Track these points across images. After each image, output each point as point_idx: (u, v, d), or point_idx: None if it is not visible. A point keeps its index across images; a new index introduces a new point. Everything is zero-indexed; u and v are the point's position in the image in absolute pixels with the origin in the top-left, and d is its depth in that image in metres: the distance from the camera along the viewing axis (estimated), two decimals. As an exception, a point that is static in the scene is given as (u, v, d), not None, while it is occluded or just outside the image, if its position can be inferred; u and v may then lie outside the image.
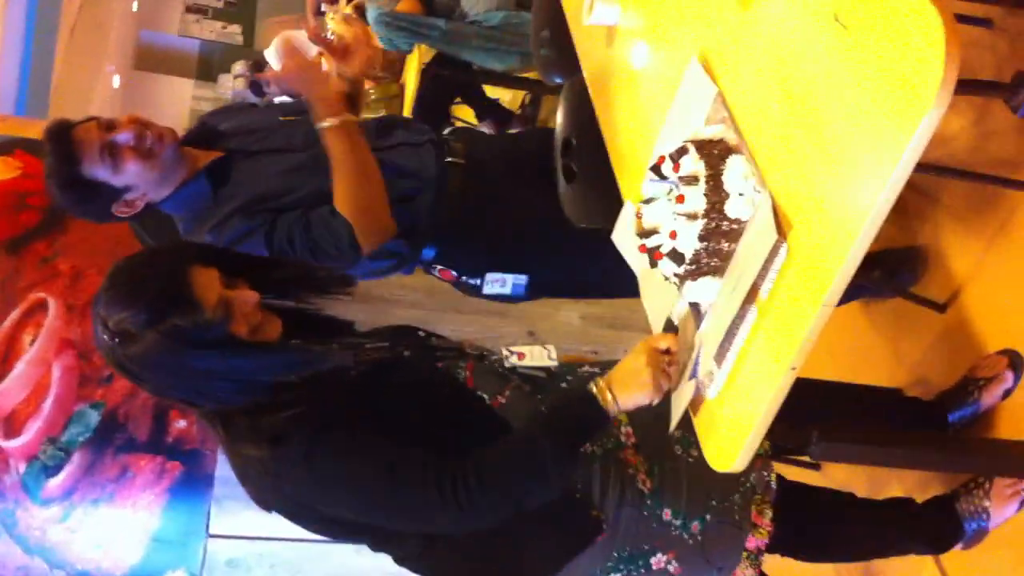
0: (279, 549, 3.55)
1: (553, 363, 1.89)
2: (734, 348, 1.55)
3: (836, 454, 1.68)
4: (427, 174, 2.35)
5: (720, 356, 1.58)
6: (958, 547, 2.28)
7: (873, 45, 1.29)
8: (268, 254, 2.20)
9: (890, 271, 2.57)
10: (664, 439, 1.83)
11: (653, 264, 1.63)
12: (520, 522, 1.69)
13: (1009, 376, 2.31)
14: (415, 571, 1.88)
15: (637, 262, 1.81)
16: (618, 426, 1.85)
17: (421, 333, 1.94)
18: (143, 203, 2.25)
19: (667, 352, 1.69)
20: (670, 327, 1.72)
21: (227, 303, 1.62)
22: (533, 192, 2.44)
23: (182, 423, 3.41)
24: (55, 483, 3.35)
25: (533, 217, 2.44)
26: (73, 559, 3.42)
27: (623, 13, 2.11)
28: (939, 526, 2.26)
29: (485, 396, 1.81)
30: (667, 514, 1.82)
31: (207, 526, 3.46)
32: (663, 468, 1.84)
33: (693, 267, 1.58)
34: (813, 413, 1.87)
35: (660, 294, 1.75)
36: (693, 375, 1.65)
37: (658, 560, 1.82)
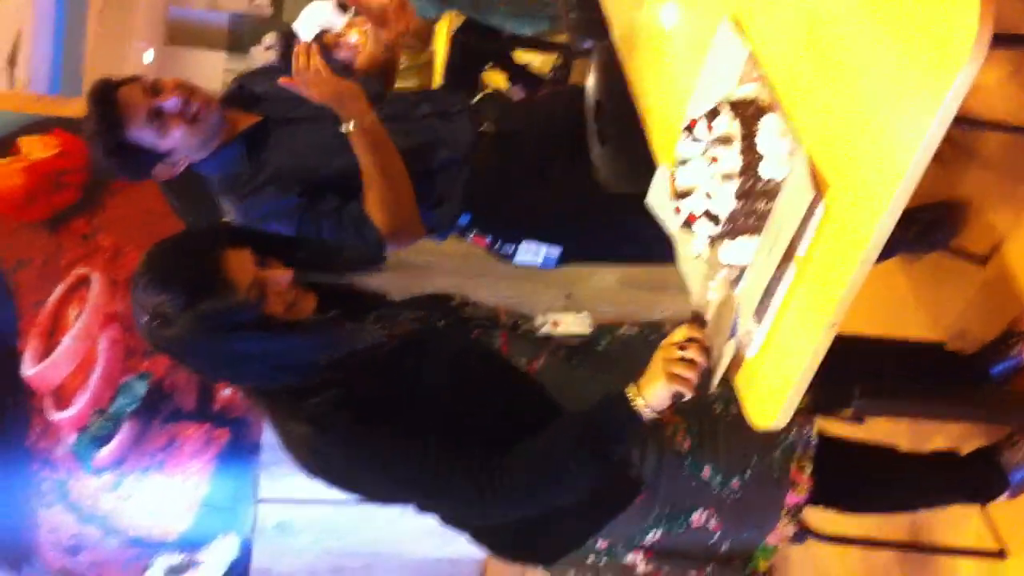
0: (327, 512, 3.61)
1: (589, 330, 1.90)
2: (773, 306, 1.56)
3: (878, 410, 1.68)
4: (461, 143, 2.37)
5: (759, 314, 1.59)
6: (1003, 497, 2.29)
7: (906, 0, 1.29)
8: (292, 227, 2.24)
9: (927, 227, 2.56)
10: (703, 397, 1.82)
11: (688, 226, 1.65)
12: None
13: None
14: (459, 531, 1.92)
15: (673, 225, 1.82)
16: None
17: (454, 302, 1.95)
18: (184, 165, 2.28)
19: (691, 340, 1.66)
20: (697, 318, 1.71)
21: (261, 284, 1.65)
22: (565, 160, 2.45)
23: (227, 391, 3.46)
24: (105, 453, 3.43)
25: (565, 187, 2.45)
26: (125, 526, 3.50)
27: (653, -26, 2.11)
28: (982, 477, 2.26)
29: (520, 362, 1.83)
30: (707, 472, 1.83)
31: (256, 491, 3.52)
32: (702, 426, 1.86)
33: (729, 227, 1.59)
34: (851, 368, 1.88)
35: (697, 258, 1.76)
36: (732, 334, 1.66)
37: (698, 517, 1.85)
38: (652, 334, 1.94)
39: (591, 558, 1.87)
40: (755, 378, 1.63)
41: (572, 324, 1.88)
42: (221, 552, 3.57)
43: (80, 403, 3.41)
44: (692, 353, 1.63)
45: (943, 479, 2.27)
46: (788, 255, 1.52)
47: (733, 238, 1.60)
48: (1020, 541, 2.38)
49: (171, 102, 2.18)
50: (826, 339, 1.46)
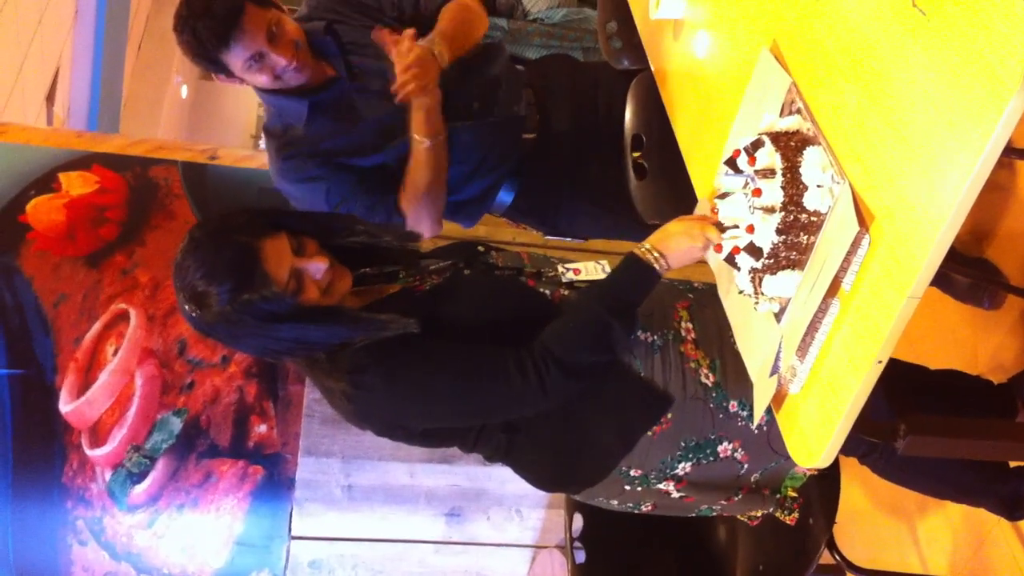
0: (361, 550, 3.59)
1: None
2: (817, 342, 1.53)
3: (924, 448, 1.65)
4: (503, 153, 2.41)
5: (803, 350, 1.56)
6: None
7: (953, 30, 1.26)
8: (324, 203, 2.31)
9: (976, 284, 2.52)
10: (723, 335, 1.87)
11: (731, 260, 1.62)
12: (591, 407, 1.81)
13: None
14: (504, 463, 1.97)
15: (713, 259, 1.80)
16: (679, 320, 1.90)
17: (481, 248, 1.98)
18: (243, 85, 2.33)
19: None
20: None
21: (298, 274, 1.71)
22: (603, 159, 2.48)
23: (263, 428, 3.45)
24: (140, 490, 3.42)
25: (601, 189, 2.50)
26: (159, 564, 3.48)
27: (690, 6, 2.10)
28: (1019, 495, 2.26)
29: (547, 292, 1.86)
30: (733, 406, 1.86)
31: (289, 528, 3.51)
32: (724, 362, 1.87)
33: (772, 261, 1.56)
34: (892, 399, 1.88)
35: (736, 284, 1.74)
36: (775, 370, 1.63)
37: (725, 448, 1.87)
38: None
39: (627, 486, 1.91)
40: (798, 415, 1.60)
41: (592, 271, 1.91)
42: (255, 590, 3.55)
43: (116, 439, 3.40)
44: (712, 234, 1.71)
45: (984, 481, 2.26)
46: (832, 290, 1.49)
47: (775, 272, 1.58)
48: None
49: (278, 60, 2.21)
50: (873, 376, 1.43)
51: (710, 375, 1.86)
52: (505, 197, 2.47)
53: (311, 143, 2.31)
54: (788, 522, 1.99)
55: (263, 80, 2.24)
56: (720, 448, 1.88)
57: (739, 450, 1.88)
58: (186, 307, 1.70)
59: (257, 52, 2.18)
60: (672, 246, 1.74)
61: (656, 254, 1.74)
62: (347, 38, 2.36)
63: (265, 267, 1.66)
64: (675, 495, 1.93)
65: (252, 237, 1.69)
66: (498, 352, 1.73)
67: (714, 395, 1.86)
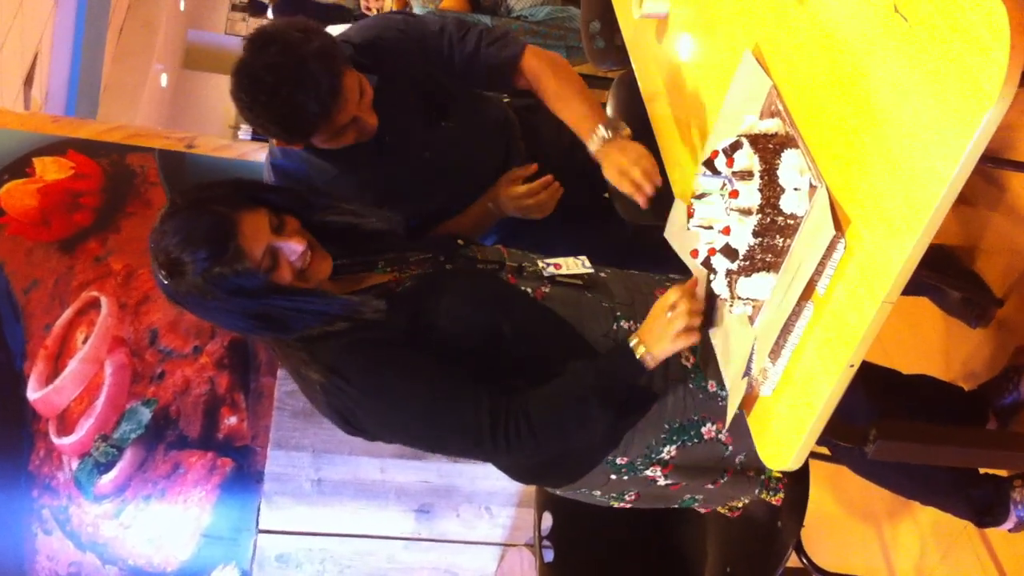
0: (329, 544, 3.57)
1: (588, 270, 1.93)
2: (790, 345, 1.53)
3: (895, 453, 1.65)
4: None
5: (775, 353, 1.56)
6: (1004, 528, 2.27)
7: (934, 37, 1.26)
8: None
9: (968, 299, 2.52)
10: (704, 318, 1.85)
11: (707, 261, 1.62)
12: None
13: None
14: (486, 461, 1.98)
15: (691, 260, 1.79)
16: None
17: (460, 241, 1.97)
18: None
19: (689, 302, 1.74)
20: (694, 282, 1.77)
21: (274, 252, 1.69)
22: (585, 201, 2.44)
23: (233, 420, 3.43)
24: (107, 480, 3.39)
25: (586, 232, 2.45)
26: (125, 555, 3.45)
27: (673, 6, 2.10)
28: (989, 502, 2.25)
29: (528, 290, 1.85)
30: (712, 386, 1.86)
31: (257, 522, 3.49)
32: (703, 343, 1.85)
33: (747, 263, 1.56)
34: (865, 402, 1.89)
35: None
36: (747, 372, 1.63)
37: (708, 430, 1.88)
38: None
39: (613, 475, 1.90)
40: (769, 418, 1.60)
41: (573, 266, 1.93)
42: (221, 583, 3.53)
43: (84, 428, 3.37)
44: (695, 320, 1.73)
45: (956, 485, 2.25)
46: (806, 294, 1.49)
47: (750, 274, 1.58)
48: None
49: (367, 124, 2.03)
50: (844, 379, 1.43)
51: (690, 356, 1.87)
52: (487, 242, 2.44)
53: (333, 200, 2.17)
54: (774, 503, 1.98)
55: (341, 143, 2.05)
56: (704, 429, 1.87)
57: (723, 432, 1.88)
58: (159, 273, 1.69)
59: (352, 119, 1.99)
60: (659, 346, 1.73)
61: (645, 350, 1.74)
62: (388, 103, 2.09)
63: (240, 241, 1.64)
64: (661, 482, 1.92)
65: (231, 209, 1.67)
66: (480, 401, 1.72)
67: (693, 376, 1.86)
